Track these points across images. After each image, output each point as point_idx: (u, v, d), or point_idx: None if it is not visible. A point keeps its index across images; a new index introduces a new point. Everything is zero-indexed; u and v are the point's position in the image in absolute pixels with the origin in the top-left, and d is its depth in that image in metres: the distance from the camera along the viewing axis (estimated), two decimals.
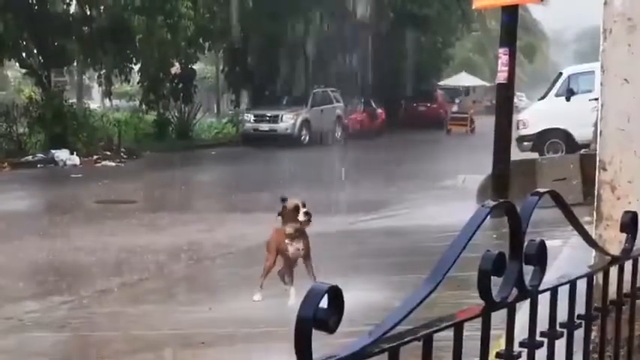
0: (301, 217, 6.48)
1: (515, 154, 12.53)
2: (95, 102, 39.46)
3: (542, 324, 1.72)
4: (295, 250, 6.62)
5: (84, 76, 36.35)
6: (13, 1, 23.50)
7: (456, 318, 1.39)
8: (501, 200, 1.52)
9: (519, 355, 1.58)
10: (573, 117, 17.33)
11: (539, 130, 18.30)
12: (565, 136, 18.11)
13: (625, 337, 2.22)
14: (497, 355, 1.55)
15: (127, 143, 24.91)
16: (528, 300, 1.61)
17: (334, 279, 1.20)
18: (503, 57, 10.52)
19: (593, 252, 2.42)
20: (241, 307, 6.69)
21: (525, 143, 18.32)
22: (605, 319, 2.03)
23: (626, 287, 2.13)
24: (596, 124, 5.21)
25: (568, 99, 18.03)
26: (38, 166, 20.76)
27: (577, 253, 5.69)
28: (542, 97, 19.49)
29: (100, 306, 7.32)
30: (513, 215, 1.50)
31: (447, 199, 12.99)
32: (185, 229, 11.40)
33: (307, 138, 28.41)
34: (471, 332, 1.45)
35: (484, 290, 1.42)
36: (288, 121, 28.17)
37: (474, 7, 13.13)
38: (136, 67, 27.98)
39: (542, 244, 1.57)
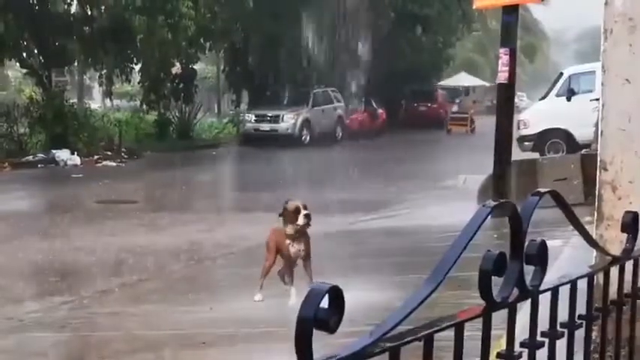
0: (301, 221, 6.49)
1: (516, 154, 12.53)
2: (96, 102, 39.49)
3: (543, 324, 1.71)
4: (296, 250, 6.62)
5: (85, 76, 36.38)
6: (14, 1, 23.51)
7: (457, 318, 1.39)
8: (502, 200, 1.52)
9: (520, 355, 1.58)
10: (574, 117, 17.33)
11: (540, 130, 18.30)
12: (566, 136, 18.10)
13: (626, 337, 2.22)
14: (498, 355, 1.55)
15: (127, 143, 24.91)
16: (529, 300, 1.61)
17: (335, 279, 1.20)
18: (503, 57, 10.52)
19: (594, 252, 2.42)
20: (242, 307, 6.69)
21: (526, 143, 18.32)
22: (606, 319, 2.03)
23: (627, 287, 2.12)
24: (597, 124, 5.20)
25: (569, 99, 18.02)
26: (39, 166, 20.77)
27: (578, 253, 5.69)
28: (543, 97, 19.49)
29: (100, 306, 7.32)
30: (514, 215, 1.50)
31: (447, 199, 12.99)
32: (186, 229, 11.40)
33: (308, 138, 28.40)
34: (472, 332, 1.45)
35: (485, 290, 1.42)
36: (288, 121, 28.16)
37: (474, 7, 13.14)
38: (137, 67, 28.00)
39: (543, 244, 1.57)
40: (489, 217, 1.42)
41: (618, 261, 2.01)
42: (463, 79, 46.64)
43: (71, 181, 18.23)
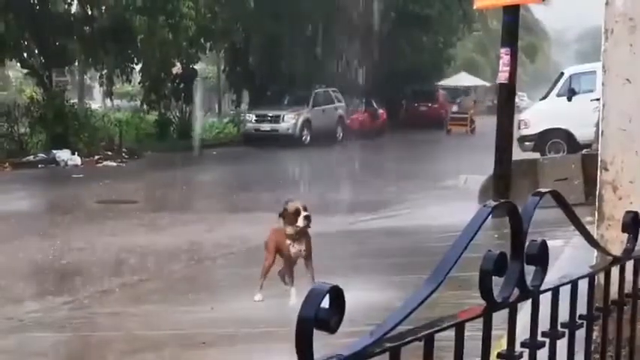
0: (300, 223, 6.49)
1: (517, 154, 12.53)
2: (96, 102, 39.49)
3: (544, 324, 1.71)
4: (297, 251, 6.62)
5: (85, 76, 36.38)
6: (15, 1, 23.51)
7: (458, 318, 1.39)
8: (503, 200, 1.52)
9: (521, 355, 1.58)
10: (575, 117, 17.33)
11: (541, 130, 18.29)
12: (566, 136, 18.10)
13: (626, 337, 2.22)
14: (499, 355, 1.55)
15: (128, 143, 24.92)
16: (530, 300, 1.61)
17: (335, 279, 1.20)
18: (504, 57, 10.52)
19: (595, 252, 2.42)
20: (242, 307, 6.69)
21: (527, 143, 18.31)
22: (607, 319, 2.03)
23: (628, 287, 2.12)
24: (597, 124, 5.20)
25: (569, 99, 18.02)
26: (39, 166, 20.77)
27: (578, 253, 5.69)
28: (544, 97, 19.48)
29: (100, 306, 7.32)
30: (515, 215, 1.50)
31: (448, 199, 12.99)
32: (186, 229, 11.40)
33: (308, 138, 28.39)
34: (473, 332, 1.45)
35: (485, 290, 1.42)
36: (289, 121, 28.15)
37: (475, 7, 13.14)
38: (138, 67, 28.00)
39: (544, 244, 1.57)
40: (490, 217, 1.42)
41: (619, 261, 2.01)
42: (463, 79, 46.64)
43: (72, 181, 18.24)
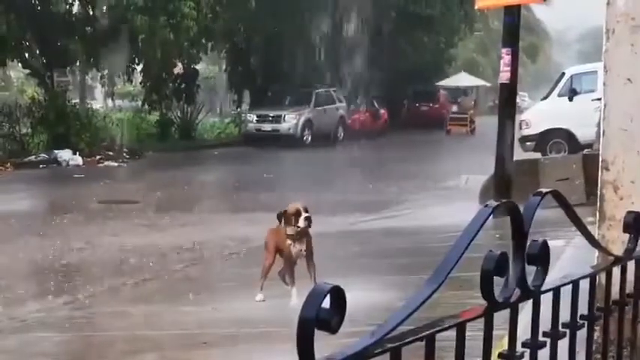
0: (301, 224, 6.49)
1: (518, 154, 12.52)
2: (98, 102, 39.46)
3: (545, 324, 1.71)
4: (298, 250, 6.61)
5: (86, 77, 36.38)
6: (16, 1, 23.53)
7: (459, 318, 1.39)
8: (504, 200, 1.52)
9: (522, 355, 1.58)
10: (576, 117, 17.32)
11: (542, 130, 18.28)
12: (568, 136, 18.09)
13: (628, 338, 2.22)
14: (500, 355, 1.55)
15: (129, 143, 24.92)
16: (531, 300, 1.61)
17: (335, 279, 1.20)
18: (505, 57, 10.51)
19: (596, 252, 2.42)
20: (243, 307, 6.69)
21: (528, 143, 18.30)
22: (608, 320, 2.03)
23: (629, 287, 2.12)
24: (598, 124, 5.20)
25: (571, 99, 18.01)
26: (41, 166, 20.79)
27: (580, 253, 5.69)
28: (545, 97, 19.48)
29: (102, 306, 7.33)
30: (516, 215, 1.50)
31: (449, 200, 12.98)
32: (187, 229, 11.40)
33: (310, 138, 28.39)
34: (474, 332, 1.45)
35: (487, 290, 1.42)
36: (290, 121, 28.15)
37: (476, 7, 13.13)
38: (139, 68, 28.00)
39: (545, 244, 1.57)
40: (491, 217, 1.42)
41: (620, 261, 2.01)
42: (463, 79, 46.60)
43: (73, 181, 18.25)
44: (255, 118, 28.86)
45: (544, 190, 1.67)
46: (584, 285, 1.86)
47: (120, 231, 11.28)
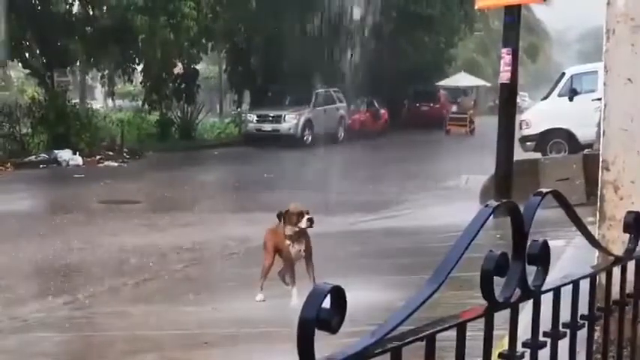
0: (303, 224, 6.49)
1: (518, 154, 12.52)
2: (98, 102, 39.50)
3: (545, 324, 1.71)
4: (297, 251, 6.61)
5: (87, 77, 36.40)
6: (16, 1, 23.53)
7: (459, 318, 1.39)
8: (504, 200, 1.52)
9: (522, 355, 1.58)
10: (576, 117, 17.32)
11: (542, 130, 18.28)
12: (568, 136, 18.09)
13: (628, 338, 2.22)
14: (500, 355, 1.55)
15: (129, 143, 24.91)
16: (531, 300, 1.61)
17: (336, 279, 1.20)
18: (506, 57, 10.51)
19: (596, 252, 2.42)
20: (243, 307, 6.69)
21: (528, 143, 18.30)
22: (608, 320, 2.03)
23: (629, 287, 2.12)
24: (599, 124, 5.20)
25: (571, 99, 18.01)
26: (41, 166, 20.78)
27: (580, 253, 5.69)
28: (545, 97, 19.48)
29: (103, 306, 7.33)
30: (516, 215, 1.50)
31: (449, 200, 12.99)
32: (187, 229, 11.40)
33: (310, 138, 28.37)
34: (474, 332, 1.45)
35: (487, 290, 1.42)
36: (290, 121, 28.15)
37: (476, 7, 13.13)
38: (139, 68, 28.00)
39: (545, 244, 1.57)
40: (491, 217, 1.42)
41: (620, 261, 2.01)
42: (462, 79, 46.58)
43: (73, 181, 18.25)
44: (255, 118, 28.86)
45: (544, 190, 1.67)
46: (585, 285, 1.86)
47: (120, 231, 11.28)
